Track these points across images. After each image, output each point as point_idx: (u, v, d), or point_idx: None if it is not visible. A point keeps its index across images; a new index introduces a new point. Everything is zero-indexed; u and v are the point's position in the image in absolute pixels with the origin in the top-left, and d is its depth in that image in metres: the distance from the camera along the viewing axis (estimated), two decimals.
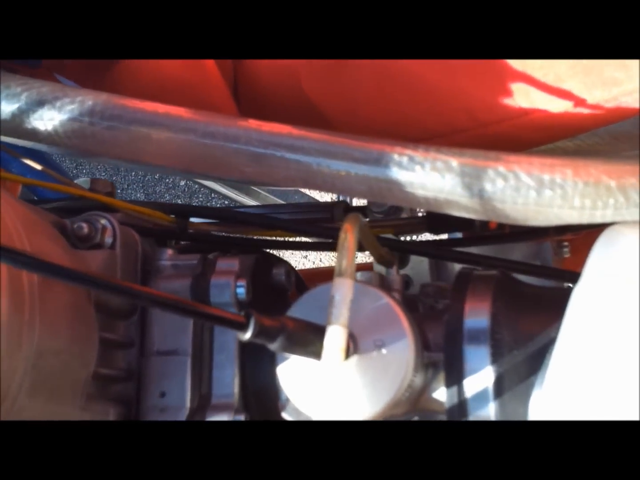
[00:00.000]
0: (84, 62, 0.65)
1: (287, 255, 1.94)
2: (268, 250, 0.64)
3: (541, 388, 0.45)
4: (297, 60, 0.60)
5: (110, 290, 0.39)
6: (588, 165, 0.46)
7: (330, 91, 0.59)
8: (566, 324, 0.44)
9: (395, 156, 0.48)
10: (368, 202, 0.63)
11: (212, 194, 2.18)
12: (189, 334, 0.54)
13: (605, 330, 0.43)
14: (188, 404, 0.53)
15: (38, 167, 0.60)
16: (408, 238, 0.77)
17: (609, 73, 0.50)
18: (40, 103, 0.52)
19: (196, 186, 2.25)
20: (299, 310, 0.49)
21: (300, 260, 2.04)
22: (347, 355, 0.46)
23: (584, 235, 0.71)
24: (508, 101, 0.53)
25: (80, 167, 2.34)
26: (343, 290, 0.44)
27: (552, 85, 0.51)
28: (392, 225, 0.67)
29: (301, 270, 0.72)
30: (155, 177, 2.29)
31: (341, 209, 0.68)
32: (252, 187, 1.58)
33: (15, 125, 0.53)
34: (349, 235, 0.46)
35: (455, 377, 0.49)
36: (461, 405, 0.50)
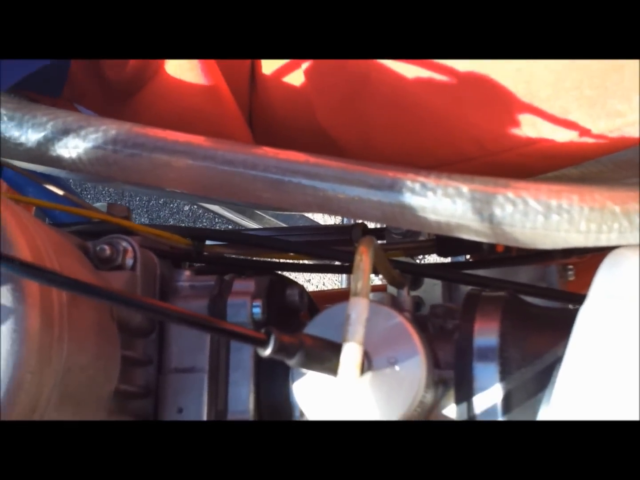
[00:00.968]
0: (104, 92, 0.67)
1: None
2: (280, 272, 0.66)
3: (548, 405, 0.47)
4: (311, 91, 0.62)
5: (138, 308, 0.41)
6: (593, 192, 0.48)
7: (344, 122, 0.62)
8: (573, 343, 0.46)
9: (409, 182, 0.50)
10: (387, 225, 0.65)
11: (216, 218, 2.20)
12: (206, 352, 0.56)
13: (610, 350, 0.45)
14: (205, 419, 0.54)
15: (60, 192, 0.62)
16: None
17: (612, 105, 0.52)
18: (65, 132, 0.55)
19: (200, 211, 2.28)
20: (315, 328, 0.51)
21: (303, 284, 2.07)
22: (362, 371, 0.48)
23: (588, 259, 0.73)
24: (515, 131, 0.55)
25: (85, 192, 2.37)
26: (358, 309, 0.46)
27: (558, 116, 0.53)
28: (403, 248, 0.69)
29: None
30: (160, 202, 2.32)
31: (359, 231, 0.70)
32: (257, 211, 1.60)
33: (40, 153, 0.56)
34: (364, 257, 0.48)
35: (465, 394, 0.51)
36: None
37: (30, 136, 0.55)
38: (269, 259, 0.66)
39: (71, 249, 0.52)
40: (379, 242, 0.74)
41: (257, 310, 0.56)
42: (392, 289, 0.59)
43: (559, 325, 0.50)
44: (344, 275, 1.62)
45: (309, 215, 1.75)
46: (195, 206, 2.31)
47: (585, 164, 0.60)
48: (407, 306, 0.56)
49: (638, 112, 0.53)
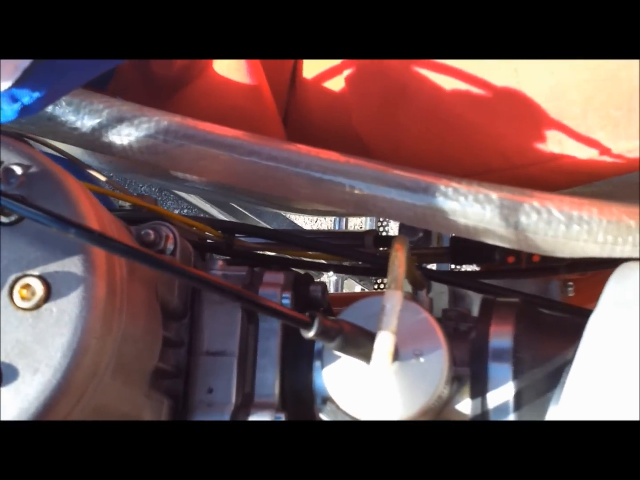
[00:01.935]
0: (148, 87, 0.71)
1: None
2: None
3: (557, 404, 0.50)
4: (350, 96, 0.65)
5: (203, 284, 0.44)
6: (611, 206, 0.52)
7: (379, 128, 0.65)
8: (582, 347, 0.49)
9: (442, 187, 0.54)
10: (399, 232, 0.69)
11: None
12: (237, 337, 0.59)
13: (618, 354, 0.49)
14: (233, 400, 0.58)
15: (103, 178, 0.65)
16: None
17: (634, 126, 0.56)
18: (119, 120, 0.58)
19: (192, 213, 2.31)
20: (347, 318, 0.54)
21: None
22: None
23: (588, 277, 0.78)
24: (541, 146, 0.59)
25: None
26: (393, 301, 0.50)
27: (583, 134, 0.57)
28: (418, 254, 0.73)
29: None
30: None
31: (371, 238, 0.74)
32: (248, 214, 1.64)
33: (93, 138, 0.59)
34: (399, 253, 0.52)
35: (479, 390, 0.55)
36: (484, 415, 0.55)
37: (86, 122, 0.58)
38: (293, 257, 0.69)
39: (125, 231, 0.55)
40: None
41: (286, 302, 0.60)
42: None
43: (569, 331, 0.54)
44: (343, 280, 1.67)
45: (294, 219, 1.80)
46: (185, 210, 2.34)
47: (597, 183, 0.64)
48: (425, 306, 0.60)
49: None
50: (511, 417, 0.54)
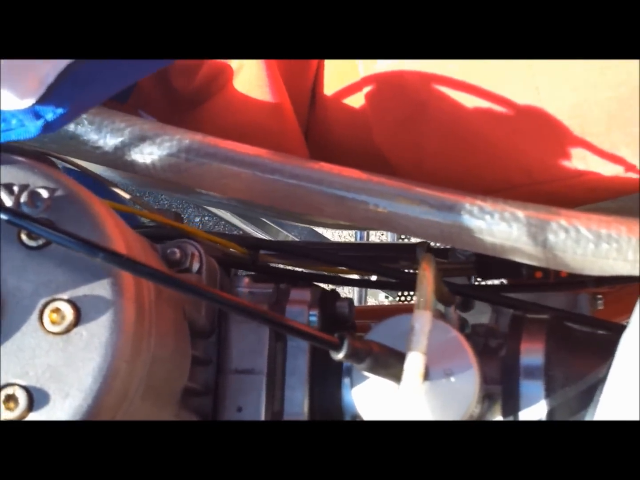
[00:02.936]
0: (169, 101, 0.71)
1: None
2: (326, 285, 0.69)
3: None
4: (370, 113, 0.65)
5: (230, 308, 0.44)
6: (638, 224, 0.52)
7: (400, 144, 0.65)
8: (616, 366, 0.49)
9: (467, 205, 0.53)
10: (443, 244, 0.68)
11: (226, 231, 2.24)
12: (265, 356, 0.59)
13: None
14: (263, 418, 0.58)
15: (127, 195, 0.65)
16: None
17: None
18: (141, 138, 0.58)
19: (210, 223, 2.32)
20: (374, 336, 0.54)
21: None
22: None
23: (617, 290, 0.77)
24: (565, 163, 0.58)
25: None
26: (422, 321, 0.50)
27: (607, 151, 0.57)
28: (444, 269, 0.72)
29: None
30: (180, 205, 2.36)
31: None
32: (267, 222, 1.64)
33: (116, 157, 0.59)
34: (427, 272, 0.52)
35: (511, 408, 0.55)
36: None
37: (109, 141, 0.58)
38: (318, 272, 0.69)
39: (151, 250, 0.55)
40: None
41: (313, 319, 0.60)
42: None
43: (601, 349, 0.54)
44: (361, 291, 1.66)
45: (318, 230, 1.79)
46: (205, 218, 2.34)
47: (622, 198, 0.63)
48: (454, 323, 0.60)
49: None
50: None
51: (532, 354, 0.56)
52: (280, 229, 1.69)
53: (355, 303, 1.61)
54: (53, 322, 0.44)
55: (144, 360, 0.46)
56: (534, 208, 0.54)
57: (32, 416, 0.43)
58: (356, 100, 0.68)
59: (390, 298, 1.63)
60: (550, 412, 0.54)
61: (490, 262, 0.72)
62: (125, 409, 0.46)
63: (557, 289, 0.71)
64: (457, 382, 0.53)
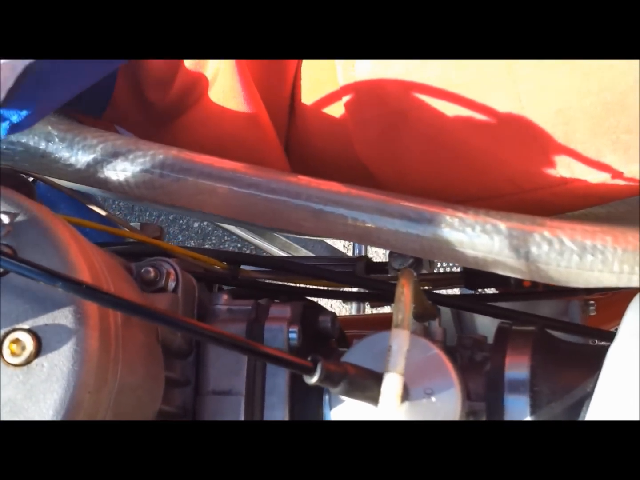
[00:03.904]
0: (145, 115, 0.69)
1: None
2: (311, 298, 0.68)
3: None
4: (350, 123, 0.64)
5: (198, 335, 0.43)
6: (626, 234, 0.50)
7: (382, 154, 0.63)
8: (602, 380, 0.47)
9: (448, 217, 0.52)
10: (389, 258, 0.67)
11: (225, 236, 2.23)
12: (243, 375, 0.57)
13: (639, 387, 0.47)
14: None
15: (103, 212, 0.64)
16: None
17: None
18: (114, 155, 0.57)
19: (209, 228, 2.30)
20: (353, 356, 0.52)
21: None
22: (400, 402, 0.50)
23: (609, 296, 0.75)
24: (550, 171, 0.57)
25: None
26: (399, 341, 0.48)
27: (592, 158, 0.55)
28: (431, 280, 0.70)
29: None
30: (170, 217, 2.34)
31: (363, 264, 0.71)
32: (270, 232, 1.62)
33: (89, 174, 0.58)
34: (405, 289, 0.50)
35: None
36: None
37: (80, 158, 0.57)
38: (301, 285, 0.67)
39: (121, 271, 0.54)
40: None
41: (293, 336, 0.58)
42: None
43: (588, 361, 0.52)
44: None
45: (329, 240, 1.77)
46: (204, 223, 2.32)
47: (612, 203, 0.62)
48: (438, 337, 0.58)
49: None
50: None
51: (517, 368, 0.54)
52: (277, 235, 1.67)
53: (354, 312, 1.59)
54: (13, 354, 0.42)
55: (109, 390, 0.45)
56: (518, 219, 0.52)
57: None
58: (336, 110, 0.66)
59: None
60: None
61: (478, 272, 0.70)
62: None
63: (547, 297, 0.69)
64: (438, 402, 0.51)
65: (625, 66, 0.53)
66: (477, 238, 0.51)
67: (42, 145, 0.58)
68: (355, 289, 0.72)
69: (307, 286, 0.67)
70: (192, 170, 0.56)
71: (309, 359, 0.46)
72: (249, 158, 0.59)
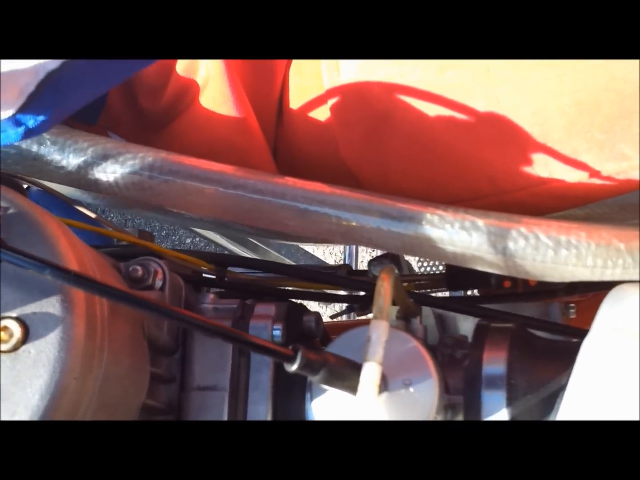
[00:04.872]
0: (137, 122, 0.71)
1: None
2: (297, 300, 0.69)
3: None
4: (335, 126, 0.65)
5: (183, 322, 0.44)
6: (600, 229, 0.51)
7: (366, 157, 0.65)
8: (576, 372, 0.49)
9: (428, 215, 0.53)
10: (368, 266, 0.68)
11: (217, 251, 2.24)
12: (228, 371, 0.59)
13: (611, 380, 0.48)
14: None
15: (92, 215, 0.65)
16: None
17: (620, 149, 0.56)
18: (104, 157, 0.58)
19: (202, 244, 2.31)
20: (335, 349, 0.53)
21: None
22: (379, 391, 0.51)
23: (589, 298, 0.77)
24: (528, 170, 0.58)
25: None
26: (379, 331, 0.49)
27: (569, 157, 0.57)
28: (414, 281, 0.72)
29: None
30: (162, 234, 2.35)
31: (344, 272, 0.73)
32: (259, 244, 1.63)
33: (79, 176, 0.59)
34: (385, 283, 0.51)
35: (473, 418, 0.54)
36: None
37: (72, 160, 0.58)
38: (287, 287, 0.69)
39: (110, 269, 0.55)
40: None
41: (277, 333, 0.59)
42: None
43: (563, 356, 0.53)
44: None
45: (310, 250, 1.78)
46: (197, 239, 2.34)
47: (590, 205, 0.63)
48: (419, 334, 0.59)
49: None
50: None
51: (494, 363, 0.55)
52: (269, 250, 1.68)
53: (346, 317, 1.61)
54: (1, 341, 0.44)
55: (95, 377, 0.46)
56: (496, 217, 0.54)
57: None
58: (322, 114, 0.68)
59: None
60: None
61: (459, 274, 0.72)
62: None
63: (528, 298, 0.70)
64: (415, 392, 0.52)
65: (598, 67, 0.54)
66: (456, 235, 0.52)
67: (35, 148, 0.59)
68: (340, 293, 0.73)
69: (293, 288, 0.69)
70: (180, 172, 0.57)
71: (290, 347, 0.47)
72: (238, 162, 0.60)
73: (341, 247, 2.02)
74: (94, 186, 0.59)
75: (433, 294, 0.79)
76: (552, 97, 0.57)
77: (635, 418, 0.46)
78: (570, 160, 0.57)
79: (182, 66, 0.67)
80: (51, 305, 0.44)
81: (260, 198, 0.56)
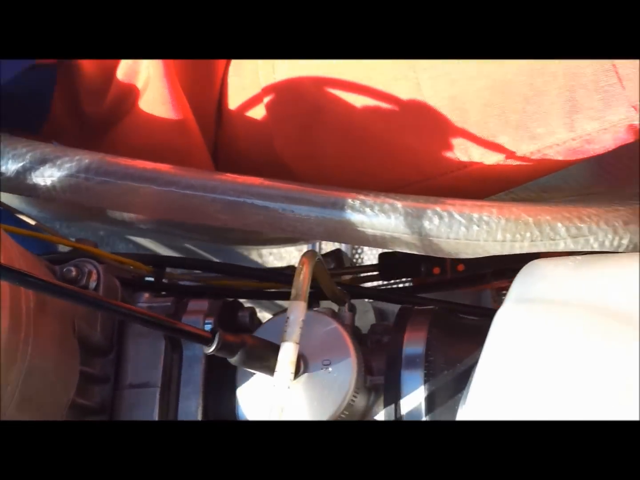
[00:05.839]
0: (81, 129, 0.71)
1: None
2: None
3: (465, 404, 0.50)
4: (271, 122, 0.67)
5: (93, 305, 0.45)
6: (511, 205, 0.53)
7: (300, 151, 0.66)
8: (487, 344, 0.49)
9: (349, 200, 0.54)
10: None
11: None
12: (160, 368, 0.59)
13: (518, 352, 0.48)
14: None
15: (32, 222, 0.66)
16: None
17: (533, 129, 0.57)
18: (42, 161, 0.58)
19: None
20: (260, 335, 0.54)
21: None
22: (298, 373, 0.53)
23: None
24: (449, 155, 0.59)
25: None
26: (296, 312, 0.50)
27: (486, 139, 0.58)
28: (349, 273, 0.73)
29: None
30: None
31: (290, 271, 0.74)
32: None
33: (18, 182, 0.59)
34: (304, 266, 0.52)
35: (392, 397, 0.56)
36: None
37: (10, 166, 0.59)
38: (224, 286, 0.70)
39: (41, 267, 0.56)
40: None
41: (209, 328, 0.60)
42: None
43: (481, 332, 0.55)
44: None
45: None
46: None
47: (514, 190, 0.65)
48: (347, 321, 0.60)
49: (556, 135, 0.58)
50: (424, 419, 0.55)
51: (414, 343, 0.56)
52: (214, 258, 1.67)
53: None
54: None
55: (19, 369, 0.47)
56: (414, 199, 0.55)
57: None
58: (258, 112, 0.69)
59: None
60: (428, 397, 0.55)
61: (391, 264, 0.73)
62: None
63: (459, 285, 0.72)
64: (334, 372, 0.53)
65: None
66: (376, 217, 0.54)
67: None
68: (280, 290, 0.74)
69: (231, 287, 0.70)
70: (116, 173, 0.58)
71: (208, 330, 0.48)
72: (178, 163, 0.61)
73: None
74: (33, 191, 0.59)
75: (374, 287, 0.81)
76: (469, 80, 0.58)
77: (541, 381, 0.46)
78: (487, 143, 0.59)
79: (123, 69, 0.68)
80: None
81: (192, 193, 0.57)
